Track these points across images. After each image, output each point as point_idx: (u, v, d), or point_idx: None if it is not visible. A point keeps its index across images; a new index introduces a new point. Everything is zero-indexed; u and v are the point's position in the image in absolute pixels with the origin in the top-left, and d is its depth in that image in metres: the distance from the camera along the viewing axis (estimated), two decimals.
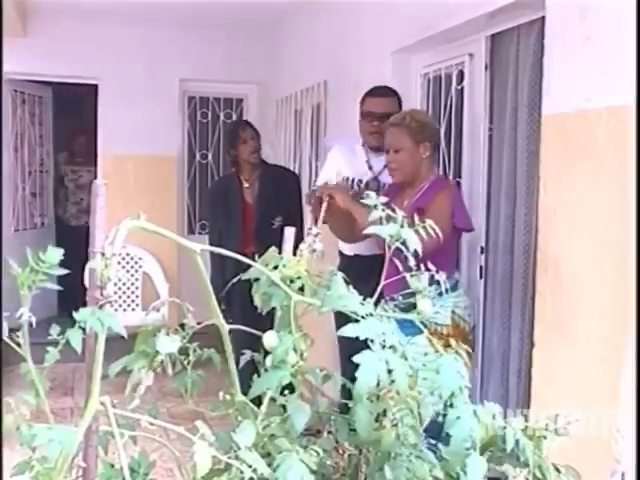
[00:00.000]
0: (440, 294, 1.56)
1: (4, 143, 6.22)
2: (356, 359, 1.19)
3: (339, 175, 3.68)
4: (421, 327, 1.40)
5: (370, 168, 3.67)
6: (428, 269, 1.41)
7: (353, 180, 3.68)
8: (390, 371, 1.20)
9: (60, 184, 7.43)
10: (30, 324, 1.20)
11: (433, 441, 1.70)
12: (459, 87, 3.72)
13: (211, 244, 4.53)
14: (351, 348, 1.26)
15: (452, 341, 1.37)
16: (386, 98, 3.63)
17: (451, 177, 3.68)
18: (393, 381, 1.21)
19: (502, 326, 3.28)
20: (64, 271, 1.17)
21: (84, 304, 1.19)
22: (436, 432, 1.63)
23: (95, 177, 6.47)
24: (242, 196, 4.46)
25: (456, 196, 3.05)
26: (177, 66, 6.57)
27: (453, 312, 2.84)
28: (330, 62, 5.06)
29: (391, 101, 3.64)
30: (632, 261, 2.14)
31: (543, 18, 2.73)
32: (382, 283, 1.40)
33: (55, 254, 1.15)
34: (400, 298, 2.93)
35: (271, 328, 1.35)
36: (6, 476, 1.29)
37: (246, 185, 4.45)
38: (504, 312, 3.27)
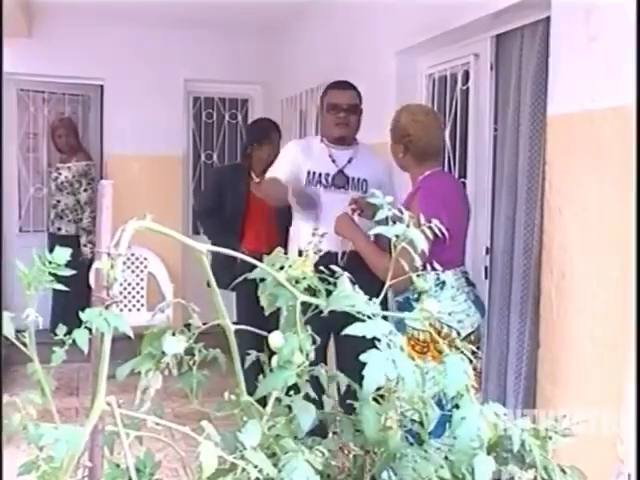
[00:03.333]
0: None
1: (4, 143, 6.22)
2: (363, 358, 1.19)
3: (301, 169, 3.66)
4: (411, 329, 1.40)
5: (334, 162, 3.66)
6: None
7: (320, 174, 3.64)
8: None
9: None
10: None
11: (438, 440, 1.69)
12: (464, 87, 3.72)
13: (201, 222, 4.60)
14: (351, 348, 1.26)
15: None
16: (350, 91, 3.68)
17: (456, 177, 3.68)
18: (398, 381, 1.20)
19: (508, 326, 3.27)
20: (71, 271, 1.18)
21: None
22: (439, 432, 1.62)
23: (74, 175, 6.24)
24: (249, 189, 4.46)
25: (422, 195, 2.93)
26: (182, 66, 6.58)
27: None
28: (335, 63, 5.05)
29: (354, 94, 3.69)
30: (632, 262, 2.14)
31: (548, 18, 2.73)
32: (388, 282, 1.41)
33: (62, 255, 1.15)
34: (400, 298, 2.94)
35: (277, 328, 1.35)
36: (12, 475, 1.29)
37: (257, 180, 4.43)
38: (510, 312, 3.26)
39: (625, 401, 2.18)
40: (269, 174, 3.81)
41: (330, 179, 3.62)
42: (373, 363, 1.17)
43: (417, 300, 1.42)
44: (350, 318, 1.26)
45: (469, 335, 2.88)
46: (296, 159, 3.70)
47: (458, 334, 2.80)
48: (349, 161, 3.65)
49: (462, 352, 1.30)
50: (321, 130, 3.81)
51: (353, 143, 3.73)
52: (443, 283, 2.87)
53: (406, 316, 1.51)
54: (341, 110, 3.61)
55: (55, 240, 5.79)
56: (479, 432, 1.22)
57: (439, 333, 2.76)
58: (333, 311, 1.31)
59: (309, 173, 3.65)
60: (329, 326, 1.44)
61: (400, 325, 2.75)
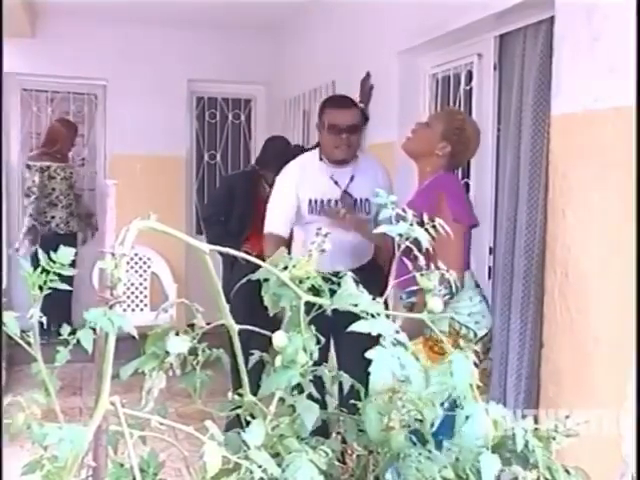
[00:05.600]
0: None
1: (4, 142, 6.22)
2: (369, 355, 1.18)
3: (300, 200, 3.47)
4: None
5: (336, 183, 3.49)
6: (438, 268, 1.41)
7: (323, 202, 3.47)
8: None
9: (44, 186, 6.14)
10: (41, 324, 1.21)
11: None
12: (467, 87, 3.72)
13: (212, 233, 4.53)
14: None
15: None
16: (350, 109, 3.50)
17: (460, 177, 3.67)
18: (404, 381, 1.20)
19: (509, 326, 3.27)
20: (74, 271, 1.18)
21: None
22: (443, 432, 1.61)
23: (72, 176, 6.26)
24: (260, 196, 4.34)
25: (451, 196, 2.91)
26: (185, 67, 6.59)
27: (452, 318, 2.59)
28: (338, 62, 5.06)
29: (354, 112, 3.51)
30: (632, 262, 2.14)
31: (551, 18, 2.73)
32: (392, 281, 1.40)
33: (67, 254, 1.15)
34: (404, 296, 2.94)
35: (279, 328, 1.35)
36: (16, 475, 1.29)
37: (269, 190, 4.41)
38: (512, 312, 3.25)
39: (627, 401, 2.18)
40: (267, 228, 3.54)
41: (340, 203, 3.44)
42: (379, 360, 1.17)
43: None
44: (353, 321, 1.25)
45: (485, 335, 2.88)
46: (293, 190, 3.49)
47: (475, 335, 2.81)
48: (351, 179, 3.49)
49: (477, 353, 1.30)
50: (322, 149, 3.57)
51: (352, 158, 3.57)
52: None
53: (422, 316, 1.49)
54: (342, 131, 3.42)
55: (66, 241, 5.52)
56: (484, 431, 1.22)
57: (457, 334, 2.77)
58: (334, 312, 1.31)
59: (310, 201, 3.47)
60: (329, 329, 1.44)
61: None
